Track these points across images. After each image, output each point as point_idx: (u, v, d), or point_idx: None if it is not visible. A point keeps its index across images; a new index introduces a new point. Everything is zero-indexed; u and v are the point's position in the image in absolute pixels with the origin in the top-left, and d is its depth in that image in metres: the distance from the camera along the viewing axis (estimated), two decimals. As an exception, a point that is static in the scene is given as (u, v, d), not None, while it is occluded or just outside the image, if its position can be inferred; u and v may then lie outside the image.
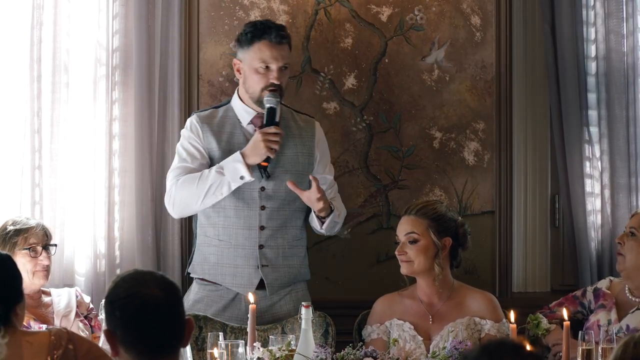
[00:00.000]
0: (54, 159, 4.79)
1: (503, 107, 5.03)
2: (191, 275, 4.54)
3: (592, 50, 5.04)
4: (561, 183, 5.04)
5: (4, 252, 3.56)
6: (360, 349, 3.84)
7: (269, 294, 4.41)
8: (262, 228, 4.41)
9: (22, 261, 4.26)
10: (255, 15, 4.91)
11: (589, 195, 5.03)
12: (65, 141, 4.81)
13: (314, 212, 4.39)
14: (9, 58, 4.81)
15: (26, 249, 4.31)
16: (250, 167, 4.30)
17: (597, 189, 5.05)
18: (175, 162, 4.44)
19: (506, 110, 5.03)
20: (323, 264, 4.95)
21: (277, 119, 4.36)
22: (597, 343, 3.92)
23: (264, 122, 4.34)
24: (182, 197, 4.36)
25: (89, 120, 4.84)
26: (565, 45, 4.97)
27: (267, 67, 4.35)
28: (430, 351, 4.04)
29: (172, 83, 4.88)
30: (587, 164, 5.03)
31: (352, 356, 3.80)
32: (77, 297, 4.47)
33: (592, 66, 5.04)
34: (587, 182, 5.03)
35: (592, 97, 5.04)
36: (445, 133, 5.03)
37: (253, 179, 4.31)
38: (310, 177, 4.30)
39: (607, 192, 5.03)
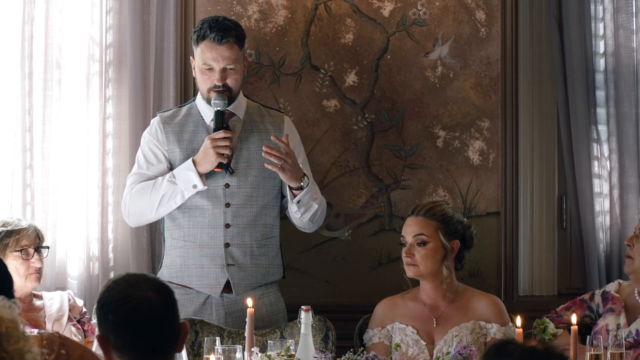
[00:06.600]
0: (46, 158, 4.76)
1: (509, 104, 5.00)
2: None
3: (600, 46, 5.02)
4: (569, 183, 5.01)
5: (-5, 254, 3.56)
6: (362, 354, 3.81)
7: (235, 295, 4.35)
8: (227, 226, 4.36)
9: (14, 264, 4.24)
10: (253, 10, 4.89)
11: (597, 195, 5.00)
12: (57, 140, 4.78)
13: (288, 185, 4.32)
14: (-1, 54, 4.81)
15: (18, 251, 4.29)
16: (202, 175, 4.29)
17: (606, 189, 5.02)
18: (134, 169, 4.46)
19: (512, 108, 5.00)
20: (323, 266, 4.94)
21: (226, 122, 4.35)
22: (605, 348, 3.92)
23: (214, 126, 4.34)
24: (136, 207, 4.38)
25: (81, 119, 4.82)
26: (572, 41, 4.94)
27: (211, 68, 4.35)
28: (434, 356, 4.02)
29: (168, 80, 4.86)
30: (596, 163, 5.01)
31: (352, 361, 3.79)
32: (69, 300, 4.44)
33: (601, 63, 5.02)
34: (596, 182, 5.00)
35: (600, 94, 5.02)
36: (449, 132, 4.99)
37: (206, 187, 4.31)
38: (272, 137, 4.27)
39: (615, 193, 5.00)
